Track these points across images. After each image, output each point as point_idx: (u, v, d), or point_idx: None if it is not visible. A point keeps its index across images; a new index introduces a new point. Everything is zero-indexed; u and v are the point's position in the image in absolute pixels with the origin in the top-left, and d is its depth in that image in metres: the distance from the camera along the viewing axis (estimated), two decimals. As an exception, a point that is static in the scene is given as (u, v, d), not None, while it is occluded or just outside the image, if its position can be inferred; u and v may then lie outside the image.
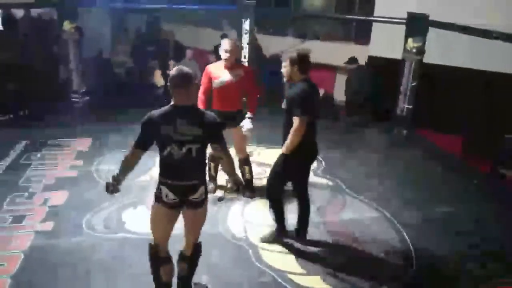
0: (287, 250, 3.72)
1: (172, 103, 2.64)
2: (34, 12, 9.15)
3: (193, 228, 2.87)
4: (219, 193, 4.54)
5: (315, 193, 4.69)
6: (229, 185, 2.67)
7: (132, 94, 7.52)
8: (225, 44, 4.08)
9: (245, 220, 4.15)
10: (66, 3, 7.15)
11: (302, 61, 3.37)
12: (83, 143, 5.71)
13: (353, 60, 7.73)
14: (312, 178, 5.02)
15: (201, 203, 2.78)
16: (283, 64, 3.45)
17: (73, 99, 7.19)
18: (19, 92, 7.24)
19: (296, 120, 3.32)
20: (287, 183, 3.74)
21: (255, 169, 5.15)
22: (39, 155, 5.36)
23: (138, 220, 3.97)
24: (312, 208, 4.31)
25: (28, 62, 7.81)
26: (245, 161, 4.48)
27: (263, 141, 5.90)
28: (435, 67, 6.45)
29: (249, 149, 5.47)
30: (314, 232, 3.97)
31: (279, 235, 3.81)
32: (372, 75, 7.54)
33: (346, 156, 5.73)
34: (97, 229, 3.92)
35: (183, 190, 2.69)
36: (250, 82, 4.25)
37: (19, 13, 9.11)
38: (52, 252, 3.59)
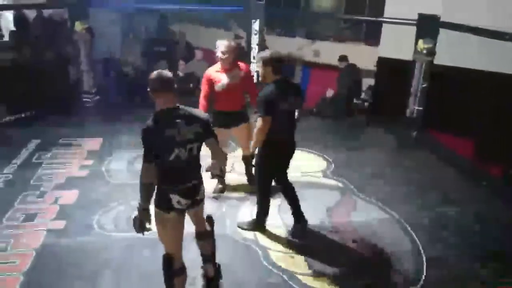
0: (296, 251, 3.72)
1: (160, 108, 2.60)
2: (46, 12, 9.26)
3: (200, 218, 3.00)
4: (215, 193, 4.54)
5: (324, 194, 4.71)
6: (209, 171, 2.82)
7: (142, 94, 7.56)
8: (221, 46, 4.06)
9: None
10: (78, 4, 7.22)
11: (275, 62, 3.45)
12: (94, 143, 5.76)
13: (343, 58, 8.10)
14: (321, 179, 5.06)
15: (204, 196, 2.90)
16: (257, 65, 3.59)
17: (84, 99, 7.26)
18: (30, 91, 7.33)
19: (259, 120, 3.44)
20: (272, 179, 3.83)
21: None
22: (50, 154, 5.42)
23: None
24: (322, 209, 4.35)
25: (40, 62, 7.91)
26: (252, 157, 4.53)
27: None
28: (446, 68, 6.40)
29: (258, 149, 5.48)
30: (323, 233, 3.97)
31: (258, 229, 3.92)
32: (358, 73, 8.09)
33: (355, 158, 5.70)
34: (107, 228, 3.95)
35: (192, 191, 2.73)
36: (250, 81, 4.39)
37: (31, 14, 9.23)
38: (63, 250, 3.63)
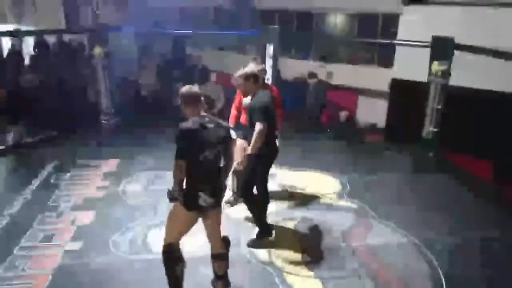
0: (312, 274, 3.67)
1: (192, 116, 2.96)
2: (65, 37, 9.56)
3: (218, 225, 3.15)
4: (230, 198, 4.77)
5: (339, 217, 4.66)
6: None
7: (159, 116, 7.68)
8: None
9: (270, 243, 4.10)
10: (97, 29, 7.44)
11: (253, 76, 3.84)
12: (111, 164, 5.83)
13: (312, 75, 8.51)
14: (336, 201, 5.02)
15: (222, 202, 3.14)
16: (238, 83, 3.89)
17: (102, 121, 7.40)
18: (50, 113, 7.50)
19: (258, 125, 3.68)
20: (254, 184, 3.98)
21: (276, 191, 5.15)
22: (68, 175, 5.50)
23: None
24: (337, 232, 4.30)
25: (59, 85, 8.12)
26: None
27: (285, 164, 5.91)
28: (462, 89, 6.38)
29: (271, 171, 5.48)
30: (339, 256, 3.92)
31: (265, 236, 4.06)
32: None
33: (371, 179, 5.65)
34: (123, 249, 3.96)
35: (218, 191, 3.03)
36: (277, 104, 4.38)
37: (51, 38, 9.53)
38: (80, 271, 3.64)
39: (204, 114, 3.01)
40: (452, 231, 4.44)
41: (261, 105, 3.75)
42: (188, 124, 2.93)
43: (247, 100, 4.29)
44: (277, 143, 4.09)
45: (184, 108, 3.00)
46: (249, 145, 3.83)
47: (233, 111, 4.70)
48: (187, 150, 2.89)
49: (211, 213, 3.06)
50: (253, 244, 4.02)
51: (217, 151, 2.99)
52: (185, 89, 3.03)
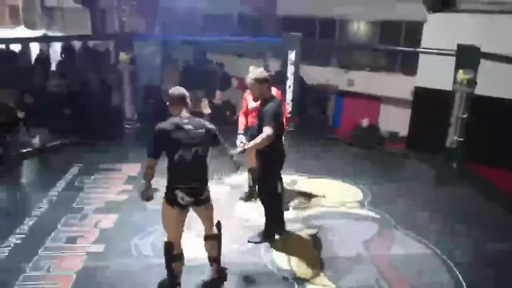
0: (332, 284, 3.63)
1: (174, 115, 3.13)
2: (91, 43, 9.80)
3: (208, 218, 3.35)
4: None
5: (361, 226, 4.61)
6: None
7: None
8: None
9: (289, 252, 4.09)
10: (123, 35, 7.61)
11: (267, 81, 3.90)
12: (133, 168, 5.92)
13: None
14: (357, 210, 4.97)
15: (209, 199, 3.27)
16: (251, 85, 3.91)
17: (125, 125, 7.53)
18: (74, 118, 7.69)
19: (267, 129, 3.74)
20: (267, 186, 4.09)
21: (298, 199, 5.15)
22: (92, 178, 5.61)
23: (184, 246, 4.00)
24: (358, 241, 4.25)
25: (84, 90, 8.32)
26: None
27: (304, 171, 5.90)
28: (488, 99, 6.26)
29: (290, 178, 5.51)
30: (360, 266, 3.87)
31: (277, 234, 4.19)
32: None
33: (393, 189, 5.58)
34: (144, 253, 4.01)
35: (195, 191, 3.13)
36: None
37: (77, 44, 9.79)
38: (103, 274, 3.70)
39: (185, 115, 3.15)
40: (477, 243, 4.34)
41: (275, 111, 3.83)
42: (163, 124, 3.09)
43: (251, 105, 4.58)
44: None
45: (170, 107, 3.19)
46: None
47: (241, 117, 4.90)
48: (160, 149, 3.08)
49: (197, 210, 3.25)
50: (254, 240, 4.16)
51: (195, 151, 3.07)
52: (172, 89, 3.24)
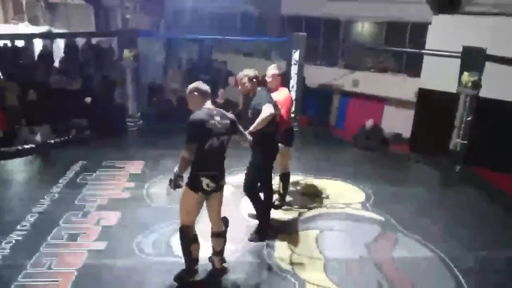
0: (334, 286, 3.61)
1: (200, 107, 3.24)
2: (94, 39, 9.78)
3: (219, 207, 3.46)
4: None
5: (363, 228, 4.59)
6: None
7: (183, 120, 7.76)
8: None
9: (292, 252, 4.08)
10: (127, 32, 7.58)
11: (257, 77, 4.15)
12: (136, 166, 5.91)
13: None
14: (360, 211, 4.94)
15: (223, 187, 3.41)
16: (243, 81, 4.10)
17: (128, 123, 7.51)
18: (77, 115, 7.68)
19: (266, 109, 3.88)
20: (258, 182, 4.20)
21: (301, 199, 5.14)
22: (94, 175, 5.60)
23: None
24: (361, 243, 4.23)
25: (87, 87, 8.31)
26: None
27: (308, 172, 5.88)
28: (492, 102, 6.22)
29: (293, 178, 5.50)
30: (362, 268, 3.85)
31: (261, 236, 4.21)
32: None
33: (396, 191, 5.55)
34: (146, 251, 3.99)
35: (219, 176, 3.30)
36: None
37: (80, 40, 9.78)
38: (104, 271, 3.68)
39: (212, 106, 3.31)
40: (480, 247, 4.31)
41: (266, 95, 4.08)
42: (198, 114, 3.19)
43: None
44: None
45: (198, 102, 3.27)
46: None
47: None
48: (198, 137, 3.16)
49: (213, 196, 3.36)
50: (253, 238, 4.19)
51: (222, 140, 3.25)
52: (199, 84, 3.33)
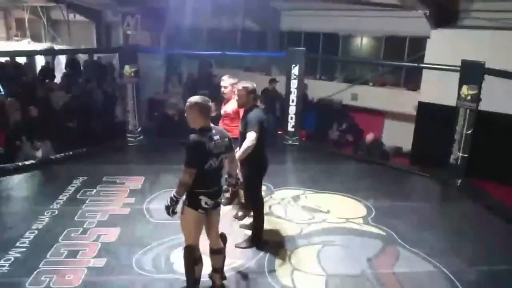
0: (336, 302, 3.57)
1: (200, 126, 3.21)
2: (95, 56, 9.88)
3: (217, 224, 3.46)
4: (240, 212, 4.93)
5: (365, 242, 4.55)
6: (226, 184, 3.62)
7: (184, 135, 7.77)
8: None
9: (293, 268, 4.05)
10: (127, 48, 7.65)
11: (254, 92, 4.15)
12: (136, 182, 5.90)
13: (273, 80, 9.33)
14: (361, 226, 4.91)
15: (220, 203, 3.47)
16: (240, 93, 4.11)
17: (129, 139, 7.52)
18: (77, 130, 7.71)
19: (251, 134, 3.93)
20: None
21: (302, 214, 5.11)
22: (94, 191, 5.58)
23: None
24: (362, 258, 4.20)
25: (88, 103, 8.35)
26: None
27: (308, 186, 5.86)
28: (492, 115, 6.23)
29: (294, 193, 5.48)
30: (364, 284, 3.81)
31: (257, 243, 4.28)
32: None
33: (397, 205, 5.51)
34: (146, 268, 3.95)
35: (216, 194, 3.32)
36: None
37: (83, 56, 9.88)
38: (103, 289, 3.65)
39: (212, 125, 3.28)
40: (483, 261, 4.26)
41: (259, 117, 4.04)
42: (198, 137, 3.17)
43: (228, 108, 4.89)
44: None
45: (197, 117, 3.21)
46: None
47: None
48: (198, 160, 3.13)
49: (211, 213, 3.35)
50: (240, 246, 4.26)
51: (221, 159, 3.29)
52: (201, 98, 3.25)
